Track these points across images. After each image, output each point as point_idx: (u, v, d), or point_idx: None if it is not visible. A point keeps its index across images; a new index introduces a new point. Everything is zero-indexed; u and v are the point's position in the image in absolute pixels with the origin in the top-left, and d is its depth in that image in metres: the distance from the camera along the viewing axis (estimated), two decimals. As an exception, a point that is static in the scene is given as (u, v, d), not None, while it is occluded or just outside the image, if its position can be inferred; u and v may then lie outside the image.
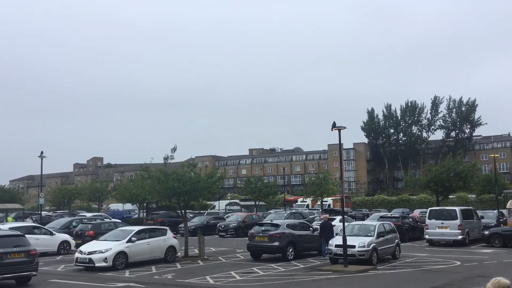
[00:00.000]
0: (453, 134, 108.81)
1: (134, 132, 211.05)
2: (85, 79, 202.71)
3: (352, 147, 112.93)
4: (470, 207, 33.20)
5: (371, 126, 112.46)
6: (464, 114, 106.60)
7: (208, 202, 59.92)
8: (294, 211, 43.40)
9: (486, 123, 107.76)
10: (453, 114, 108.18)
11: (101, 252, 18.57)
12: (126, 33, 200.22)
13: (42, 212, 42.02)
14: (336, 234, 21.72)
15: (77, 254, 19.16)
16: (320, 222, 24.43)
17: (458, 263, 19.47)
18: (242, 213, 42.56)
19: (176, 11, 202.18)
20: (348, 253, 18.40)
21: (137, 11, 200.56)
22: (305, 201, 60.68)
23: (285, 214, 37.12)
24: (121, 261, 18.84)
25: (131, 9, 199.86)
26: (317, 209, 49.46)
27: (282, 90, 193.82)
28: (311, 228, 23.43)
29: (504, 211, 35.09)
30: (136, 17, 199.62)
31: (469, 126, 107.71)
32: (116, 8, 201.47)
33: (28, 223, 31.34)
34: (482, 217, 33.13)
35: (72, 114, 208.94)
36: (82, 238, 24.98)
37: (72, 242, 24.95)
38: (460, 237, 26.27)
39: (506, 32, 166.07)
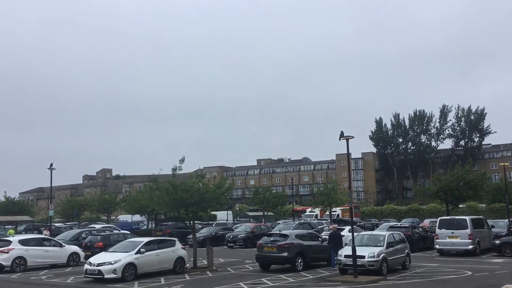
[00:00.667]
0: (462, 143, 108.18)
1: (143, 144, 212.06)
2: (95, 91, 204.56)
3: (360, 156, 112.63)
4: (481, 216, 32.93)
5: (379, 135, 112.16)
6: (473, 122, 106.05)
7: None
8: (302, 221, 43.25)
9: (495, 132, 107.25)
10: (462, 123, 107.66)
11: (110, 263, 18.59)
12: (135, 46, 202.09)
13: (52, 224, 42.18)
14: (345, 244, 21.60)
15: (86, 266, 19.20)
16: (329, 232, 24.34)
17: (469, 273, 19.28)
18: (251, 224, 42.50)
19: (178, 22, 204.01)
20: (357, 263, 18.27)
21: (142, 22, 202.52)
22: (314, 211, 60.50)
23: (294, 225, 37.00)
24: (130, 272, 18.84)
25: (136, 20, 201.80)
26: (326, 219, 49.29)
27: (289, 100, 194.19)
28: (320, 239, 23.34)
29: (515, 220, 34.85)
30: (144, 30, 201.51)
31: (478, 135, 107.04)
32: (125, 20, 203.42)
33: (38, 235, 31.48)
34: (493, 226, 32.87)
35: (81, 125, 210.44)
36: (91, 249, 25.04)
37: (82, 254, 25.02)
38: (470, 246, 26.04)
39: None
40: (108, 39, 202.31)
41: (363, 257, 18.73)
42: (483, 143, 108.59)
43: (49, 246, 24.34)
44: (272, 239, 22.14)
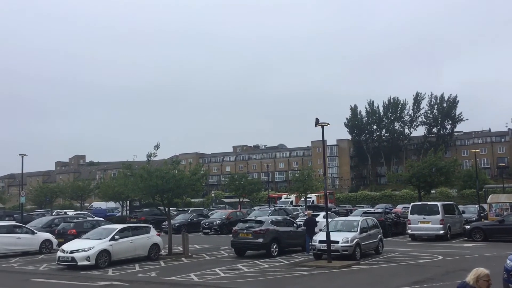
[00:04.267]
0: (434, 130, 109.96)
1: (117, 130, 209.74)
2: (66, 77, 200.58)
3: (335, 143, 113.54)
4: (452, 202, 33.59)
5: (354, 122, 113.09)
6: (446, 110, 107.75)
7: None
8: (278, 207, 43.50)
9: (467, 119, 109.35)
10: (434, 110, 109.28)
11: (83, 250, 18.37)
12: (107, 33, 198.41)
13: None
14: (320, 230, 21.80)
15: (59, 253, 18.93)
16: (305, 218, 24.51)
17: (440, 257, 19.69)
18: (226, 210, 42.53)
19: (152, 12, 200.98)
20: (331, 248, 18.47)
21: (116, 12, 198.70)
22: (289, 198, 60.85)
23: (269, 211, 37.20)
24: (104, 259, 18.67)
25: (108, 11, 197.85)
26: (301, 206, 49.68)
27: (266, 87, 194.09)
28: (295, 225, 23.49)
29: (485, 206, 35.63)
30: (115, 18, 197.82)
31: (450, 122, 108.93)
32: (90, 9, 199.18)
33: (10, 222, 30.82)
34: (464, 212, 33.62)
35: (54, 111, 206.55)
36: (64, 237, 24.68)
37: (54, 241, 24.66)
38: (442, 231, 26.59)
39: (485, 28, 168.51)
40: (71, 28, 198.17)
41: (337, 242, 18.93)
42: (455, 130, 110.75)
43: (21, 233, 23.93)
44: (247, 225, 22.20)
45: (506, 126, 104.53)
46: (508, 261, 11.53)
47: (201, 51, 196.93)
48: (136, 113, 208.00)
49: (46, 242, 24.46)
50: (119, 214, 51.64)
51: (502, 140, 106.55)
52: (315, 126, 19.94)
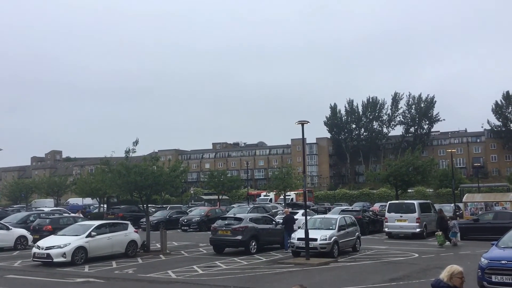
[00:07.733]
0: (412, 129, 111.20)
1: (95, 126, 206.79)
2: (43, 70, 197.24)
3: (315, 141, 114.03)
4: (428, 201, 34.04)
5: (333, 121, 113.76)
6: (423, 110, 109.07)
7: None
8: (257, 205, 43.55)
9: (444, 119, 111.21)
10: (412, 110, 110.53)
11: (59, 247, 18.13)
12: (83, 31, 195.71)
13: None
14: (299, 228, 21.90)
15: (34, 249, 18.67)
16: (283, 216, 24.61)
17: (416, 255, 19.97)
18: (205, 207, 42.42)
19: (129, 11, 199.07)
20: (310, 246, 18.58)
21: (93, 13, 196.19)
22: (268, 195, 60.98)
23: (248, 208, 37.21)
24: (81, 256, 18.46)
25: (86, 12, 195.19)
26: (280, 203, 49.81)
27: (245, 85, 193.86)
28: (273, 222, 23.56)
29: (461, 205, 36.24)
30: (93, 18, 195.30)
31: (427, 122, 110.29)
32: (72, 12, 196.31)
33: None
34: (439, 211, 34.06)
35: (29, 106, 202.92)
36: (39, 233, 24.23)
37: (30, 237, 24.27)
38: (418, 229, 26.96)
39: (462, 30, 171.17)
40: (45, 23, 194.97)
41: (315, 240, 19.06)
42: (432, 130, 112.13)
43: (-5, 229, 23.51)
44: (226, 222, 22.18)
45: (482, 127, 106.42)
46: (482, 260, 11.75)
47: (179, 47, 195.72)
48: (115, 109, 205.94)
49: (21, 238, 24.08)
50: (96, 210, 51.05)
51: (478, 140, 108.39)
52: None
